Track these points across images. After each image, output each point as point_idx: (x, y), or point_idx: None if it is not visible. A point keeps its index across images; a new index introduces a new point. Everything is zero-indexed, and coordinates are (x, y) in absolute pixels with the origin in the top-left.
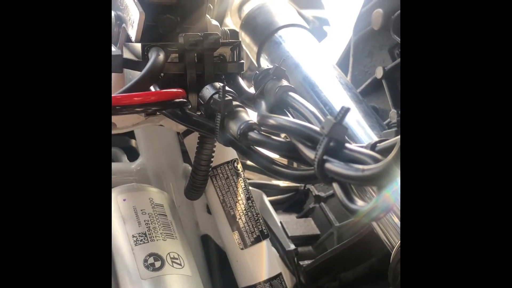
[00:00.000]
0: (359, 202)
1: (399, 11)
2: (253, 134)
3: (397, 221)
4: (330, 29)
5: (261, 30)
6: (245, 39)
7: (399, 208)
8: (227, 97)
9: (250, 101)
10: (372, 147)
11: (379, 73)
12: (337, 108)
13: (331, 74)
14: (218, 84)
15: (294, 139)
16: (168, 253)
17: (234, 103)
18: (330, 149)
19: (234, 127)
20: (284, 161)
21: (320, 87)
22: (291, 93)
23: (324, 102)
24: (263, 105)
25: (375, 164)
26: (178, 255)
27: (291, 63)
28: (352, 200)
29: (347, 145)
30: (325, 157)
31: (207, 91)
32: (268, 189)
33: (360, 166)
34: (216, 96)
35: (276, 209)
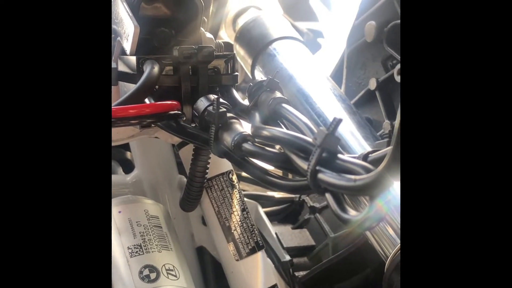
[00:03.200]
0: (352, 212)
1: (392, 23)
2: (247, 146)
3: (391, 231)
4: (324, 41)
5: (256, 42)
6: (239, 51)
7: (392, 217)
8: (221, 109)
9: (244, 113)
10: (365, 157)
11: (372, 84)
12: (331, 119)
13: (325, 85)
14: (212, 96)
15: (288, 150)
16: (164, 265)
17: (228, 114)
18: (323, 159)
19: (228, 139)
20: (280, 172)
21: (314, 98)
22: (284, 105)
23: (318, 113)
24: (257, 116)
25: (367, 174)
26: (173, 266)
27: (285, 75)
28: (344, 210)
29: (339, 155)
30: (317, 167)
31: (201, 103)
32: (263, 200)
33: (352, 176)
34: (210, 108)
35: (271, 220)
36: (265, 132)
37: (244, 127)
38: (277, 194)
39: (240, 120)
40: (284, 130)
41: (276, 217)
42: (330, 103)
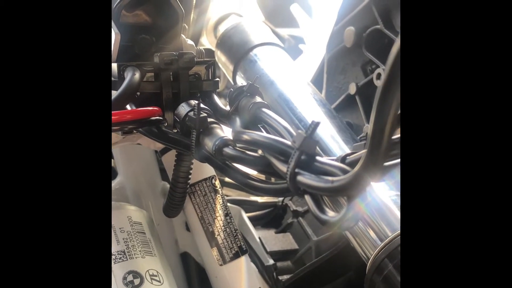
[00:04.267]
0: (330, 213)
1: (370, 29)
2: (228, 150)
3: (372, 233)
4: (305, 47)
5: (237, 49)
6: (221, 57)
7: (372, 218)
8: (202, 114)
9: (225, 118)
10: (343, 159)
11: (352, 89)
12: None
13: (306, 90)
14: (193, 102)
15: (268, 154)
16: (147, 270)
17: (209, 120)
18: (302, 162)
19: (209, 143)
20: (263, 176)
21: (295, 103)
22: (264, 109)
23: (299, 118)
24: (238, 121)
25: (344, 175)
26: (157, 272)
27: (266, 80)
28: (323, 211)
29: (318, 158)
30: (297, 170)
31: (183, 108)
32: (247, 205)
33: (330, 178)
34: (191, 113)
35: (255, 225)
36: (245, 136)
37: (225, 132)
38: (260, 199)
39: (221, 125)
40: (264, 134)
41: (259, 222)
42: (311, 108)
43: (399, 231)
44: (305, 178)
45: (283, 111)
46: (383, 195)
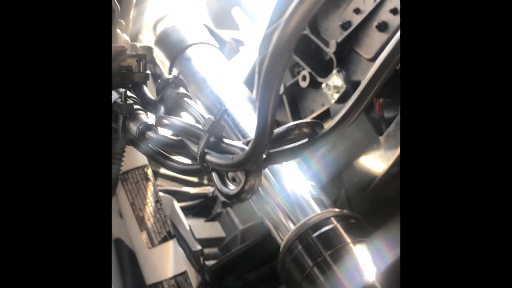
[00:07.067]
0: (231, 186)
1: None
2: (150, 134)
3: (286, 219)
4: (243, 49)
5: (173, 47)
6: (158, 54)
7: (283, 203)
8: (128, 101)
9: (152, 106)
10: (248, 142)
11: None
12: (239, 119)
13: (236, 88)
14: (122, 90)
15: (184, 137)
16: None
17: (135, 106)
18: (211, 144)
19: (134, 128)
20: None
21: (224, 99)
22: (186, 99)
23: (227, 113)
24: (162, 109)
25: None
26: None
27: (199, 77)
28: (226, 185)
29: (225, 140)
30: (206, 150)
31: (112, 96)
32: (179, 196)
33: (231, 156)
34: (119, 100)
35: (186, 214)
36: (165, 121)
37: (151, 118)
38: (192, 190)
39: (148, 112)
40: (181, 119)
41: (190, 211)
42: (240, 104)
43: (311, 215)
44: (212, 157)
45: (214, 106)
46: (298, 185)
